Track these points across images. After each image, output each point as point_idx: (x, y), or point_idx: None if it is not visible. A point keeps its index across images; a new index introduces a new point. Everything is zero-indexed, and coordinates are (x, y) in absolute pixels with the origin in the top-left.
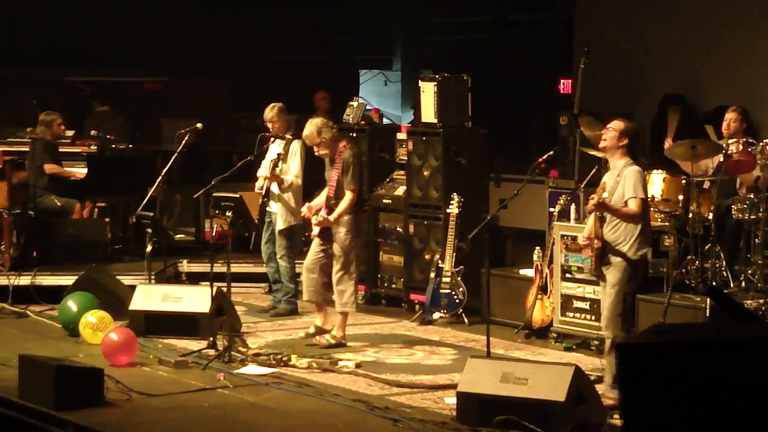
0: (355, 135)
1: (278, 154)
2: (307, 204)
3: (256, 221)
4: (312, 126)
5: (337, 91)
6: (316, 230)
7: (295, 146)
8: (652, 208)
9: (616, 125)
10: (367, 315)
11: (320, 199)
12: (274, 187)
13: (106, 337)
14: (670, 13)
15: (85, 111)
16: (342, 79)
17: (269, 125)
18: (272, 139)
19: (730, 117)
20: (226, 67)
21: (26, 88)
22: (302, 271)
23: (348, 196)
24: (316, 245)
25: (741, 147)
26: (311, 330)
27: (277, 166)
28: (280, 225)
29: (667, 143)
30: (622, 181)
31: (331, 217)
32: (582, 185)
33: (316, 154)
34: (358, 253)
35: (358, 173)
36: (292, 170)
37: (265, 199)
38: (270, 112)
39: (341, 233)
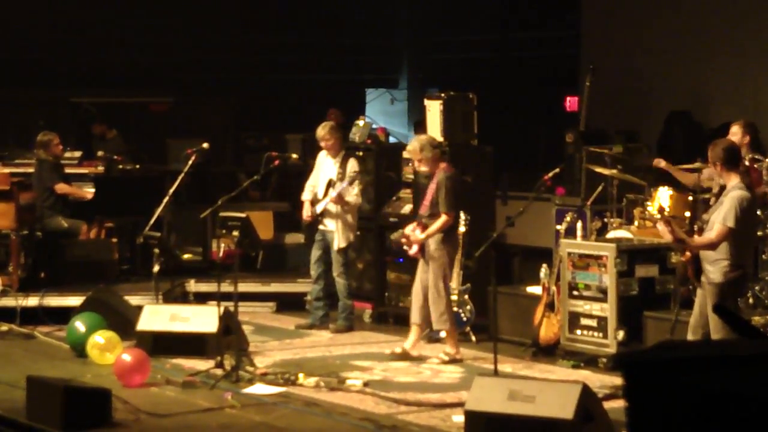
0: (361, 154)
1: (355, 172)
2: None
3: (261, 240)
4: (417, 142)
5: (343, 110)
6: (414, 248)
7: (355, 166)
8: (657, 225)
9: (710, 155)
10: (374, 333)
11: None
12: (331, 206)
13: (118, 358)
14: (675, 31)
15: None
16: (348, 98)
17: (321, 143)
18: (325, 155)
19: (732, 131)
20: (232, 87)
21: (33, 109)
22: (412, 293)
23: (442, 219)
24: (421, 267)
25: (747, 163)
26: (397, 350)
27: (353, 183)
28: (341, 243)
29: (659, 161)
30: (724, 203)
31: (423, 235)
32: (588, 202)
33: (415, 169)
34: (448, 271)
35: (453, 196)
36: (352, 190)
37: (320, 218)
38: (322, 130)
39: (433, 252)
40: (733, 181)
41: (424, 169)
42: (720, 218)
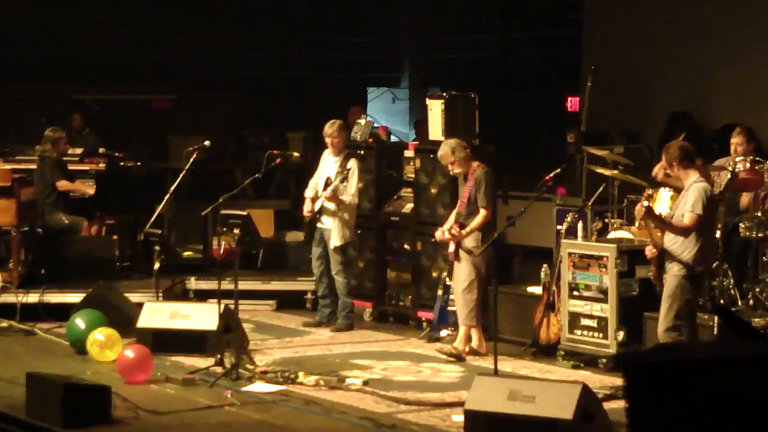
0: (362, 153)
1: (346, 170)
2: (440, 229)
3: (262, 239)
4: (446, 146)
5: (345, 108)
6: (452, 247)
7: (353, 165)
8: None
9: (665, 158)
10: (374, 332)
11: (450, 221)
12: (328, 204)
13: (121, 355)
14: (677, 32)
15: (95, 129)
16: (350, 97)
17: (328, 140)
18: (328, 154)
19: (735, 141)
20: (234, 85)
21: (35, 106)
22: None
23: (482, 213)
24: (456, 269)
25: (748, 165)
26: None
27: (345, 181)
28: (336, 242)
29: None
30: (687, 195)
31: (463, 232)
32: (589, 203)
33: (450, 173)
34: (481, 268)
35: (491, 191)
36: (349, 189)
37: (318, 216)
38: (330, 128)
39: (469, 249)
40: (692, 177)
41: (458, 171)
42: (688, 207)
